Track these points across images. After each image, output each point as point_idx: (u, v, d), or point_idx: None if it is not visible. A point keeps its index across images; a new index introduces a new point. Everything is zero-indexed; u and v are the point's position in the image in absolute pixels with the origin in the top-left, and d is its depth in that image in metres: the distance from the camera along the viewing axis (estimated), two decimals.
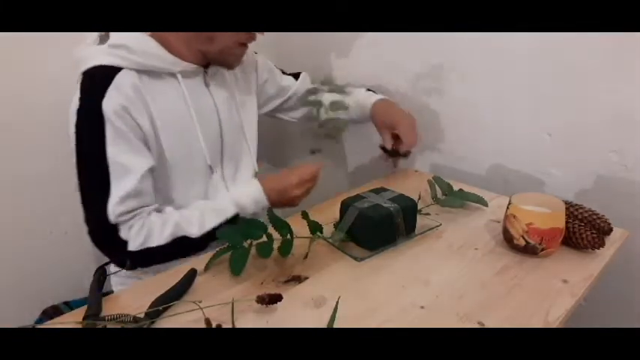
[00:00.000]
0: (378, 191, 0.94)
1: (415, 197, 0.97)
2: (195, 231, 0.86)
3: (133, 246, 0.83)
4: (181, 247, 0.86)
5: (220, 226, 0.88)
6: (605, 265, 0.83)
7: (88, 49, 0.86)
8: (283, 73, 1.20)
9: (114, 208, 0.81)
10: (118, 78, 0.82)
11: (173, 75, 0.90)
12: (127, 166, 0.83)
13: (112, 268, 0.88)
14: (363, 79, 1.35)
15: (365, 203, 0.88)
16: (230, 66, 0.97)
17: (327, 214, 0.94)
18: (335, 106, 1.14)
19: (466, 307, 0.71)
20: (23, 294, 1.13)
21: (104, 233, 0.84)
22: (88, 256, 1.15)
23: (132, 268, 0.84)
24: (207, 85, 0.97)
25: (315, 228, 0.86)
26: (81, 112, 0.82)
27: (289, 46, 1.50)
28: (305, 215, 0.86)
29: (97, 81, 0.83)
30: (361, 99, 1.21)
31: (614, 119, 1.03)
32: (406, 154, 1.18)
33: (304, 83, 1.21)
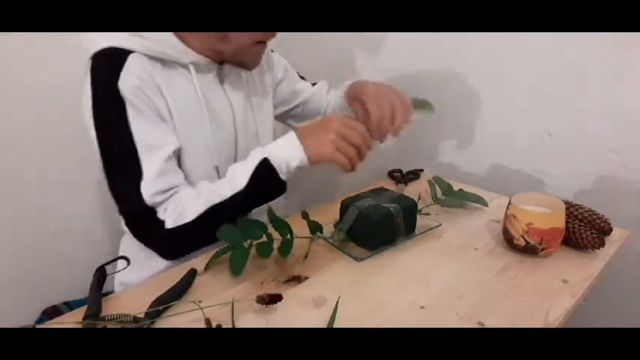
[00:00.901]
0: (378, 191, 0.94)
1: (415, 197, 0.98)
2: (228, 192, 0.79)
3: (168, 224, 0.78)
4: (217, 214, 0.79)
5: (252, 180, 0.79)
6: (605, 265, 0.83)
7: (94, 33, 0.80)
8: (300, 77, 1.13)
9: (147, 188, 0.77)
10: (130, 60, 0.78)
11: (185, 67, 0.86)
12: (153, 144, 0.79)
13: (118, 266, 0.87)
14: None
15: (365, 203, 0.88)
16: (248, 66, 0.91)
17: (327, 214, 0.94)
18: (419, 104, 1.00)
19: (466, 307, 0.71)
20: (23, 294, 1.13)
21: (142, 220, 0.78)
22: (87, 256, 1.15)
23: (171, 253, 0.80)
24: (221, 82, 0.91)
25: (315, 228, 0.86)
26: (97, 96, 0.78)
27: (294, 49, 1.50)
28: (305, 215, 0.86)
29: (108, 64, 0.79)
30: (337, 90, 1.11)
31: (614, 119, 1.03)
32: (406, 180, 1.17)
33: (321, 90, 1.13)
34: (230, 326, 0.66)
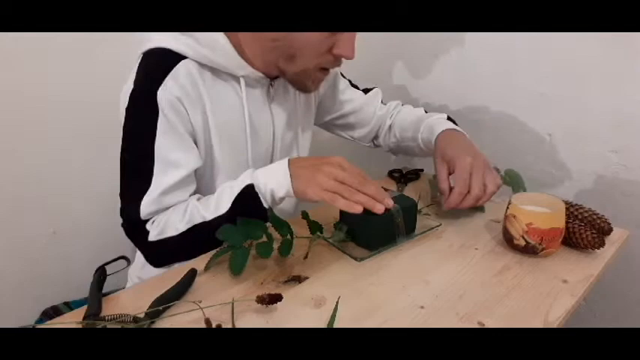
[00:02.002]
0: None
1: (415, 197, 0.97)
2: (209, 215, 0.79)
3: (151, 236, 0.79)
4: (198, 234, 0.79)
5: (235, 204, 0.78)
6: (605, 265, 0.83)
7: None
8: (352, 85, 1.09)
9: (147, 205, 0.78)
10: (179, 67, 0.77)
11: (236, 79, 0.84)
12: (172, 162, 0.79)
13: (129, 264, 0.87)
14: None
15: None
16: (307, 90, 0.89)
17: (327, 214, 0.94)
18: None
19: (466, 307, 0.71)
20: (23, 294, 1.13)
21: (133, 228, 0.81)
22: (87, 256, 1.15)
23: (154, 262, 0.81)
24: (270, 100, 0.90)
25: (315, 228, 0.86)
26: (134, 97, 0.78)
27: None
28: (305, 215, 0.86)
29: (156, 66, 0.78)
30: (432, 121, 1.03)
31: (614, 119, 1.03)
32: (406, 180, 1.12)
33: (374, 99, 1.09)
34: (230, 326, 0.66)
